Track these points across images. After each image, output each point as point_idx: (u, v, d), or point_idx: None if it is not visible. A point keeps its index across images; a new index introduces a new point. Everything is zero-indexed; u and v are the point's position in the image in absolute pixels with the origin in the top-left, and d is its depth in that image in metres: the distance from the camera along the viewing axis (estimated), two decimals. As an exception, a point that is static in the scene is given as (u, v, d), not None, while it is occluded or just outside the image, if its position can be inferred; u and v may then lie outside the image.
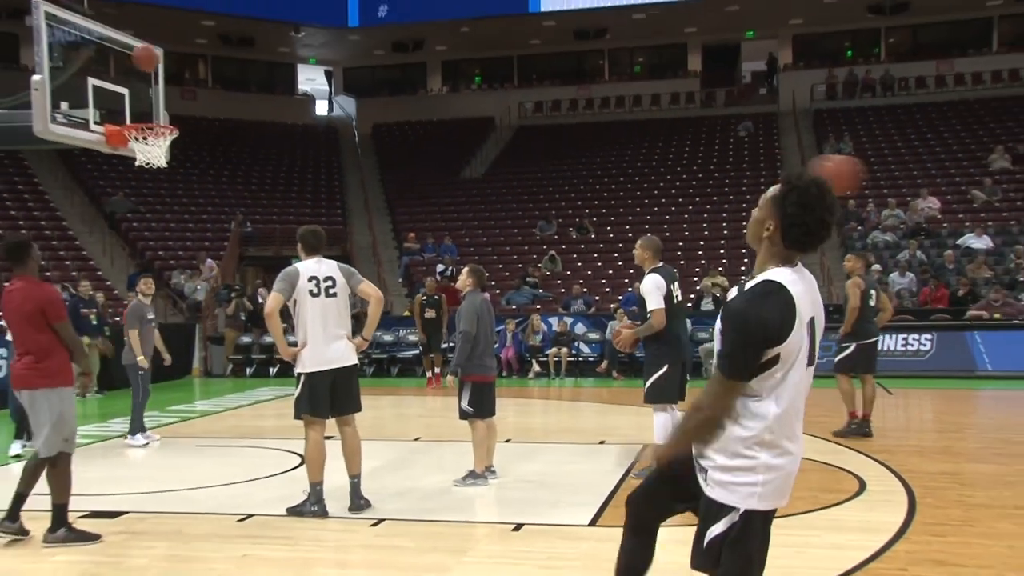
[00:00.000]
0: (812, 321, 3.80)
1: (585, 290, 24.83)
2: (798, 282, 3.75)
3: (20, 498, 7.63)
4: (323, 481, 8.34)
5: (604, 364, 21.22)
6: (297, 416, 8.36)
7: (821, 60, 39.04)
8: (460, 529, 7.80)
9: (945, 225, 26.78)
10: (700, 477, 3.88)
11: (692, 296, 22.82)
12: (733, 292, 3.92)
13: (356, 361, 8.54)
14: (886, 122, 34.71)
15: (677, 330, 9.65)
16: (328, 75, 43.20)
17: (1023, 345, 20.31)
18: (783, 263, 3.78)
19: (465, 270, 9.94)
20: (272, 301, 8.26)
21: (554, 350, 21.83)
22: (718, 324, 3.80)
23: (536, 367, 21.86)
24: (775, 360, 3.67)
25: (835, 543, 7.20)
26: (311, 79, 43.23)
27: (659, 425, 9.46)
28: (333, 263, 8.67)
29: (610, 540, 7.41)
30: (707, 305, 22.51)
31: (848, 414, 12.54)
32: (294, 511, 8.38)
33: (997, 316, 21.21)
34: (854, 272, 12.85)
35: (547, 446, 12.24)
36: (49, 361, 7.53)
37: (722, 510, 3.80)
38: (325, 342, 8.25)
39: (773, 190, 3.84)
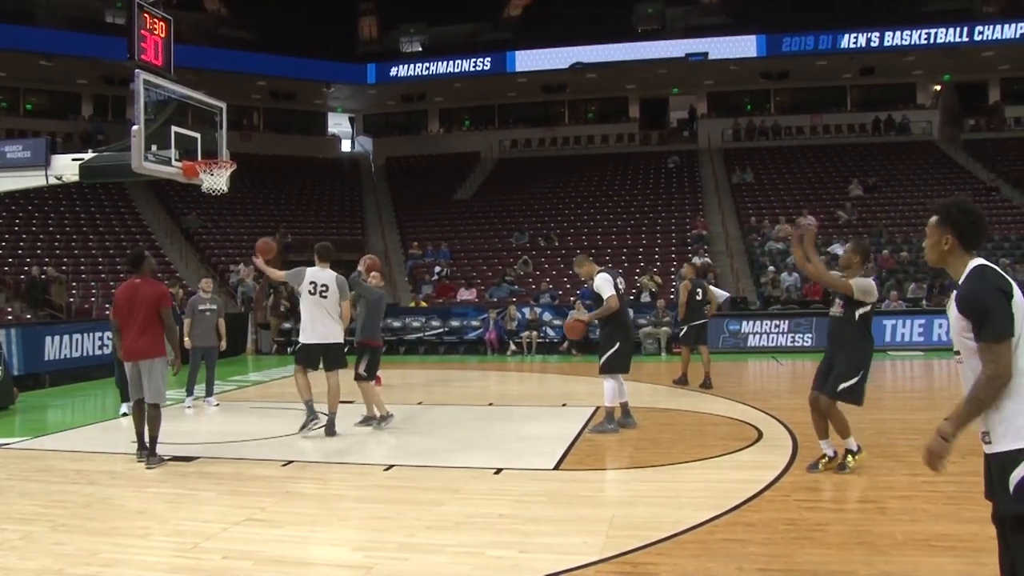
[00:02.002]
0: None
1: (551, 286, 24.85)
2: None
3: (155, 440, 8.30)
4: (312, 399, 9.66)
5: (565, 344, 21.23)
6: (296, 363, 9.82)
7: (728, 111, 39.14)
8: (452, 473, 7.78)
9: (819, 237, 26.92)
10: (983, 441, 3.51)
11: (633, 291, 22.90)
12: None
13: (340, 340, 9.80)
14: (776, 159, 34.89)
15: (625, 315, 9.76)
16: (351, 120, 43.00)
17: (874, 326, 20.34)
18: (973, 257, 3.60)
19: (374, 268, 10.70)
20: (281, 274, 10.03)
21: (527, 333, 21.85)
22: (954, 318, 3.52)
23: (513, 347, 21.85)
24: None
25: (739, 479, 7.26)
26: (338, 123, 42.99)
27: (608, 389, 9.61)
28: (333, 274, 9.85)
29: (570, 480, 7.50)
30: (645, 298, 22.59)
31: (682, 373, 14.14)
32: (302, 428, 9.58)
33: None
34: (687, 276, 14.28)
35: (521, 408, 12.24)
36: (161, 338, 8.28)
37: (1019, 455, 3.36)
38: (312, 327, 9.63)
39: (934, 218, 3.67)
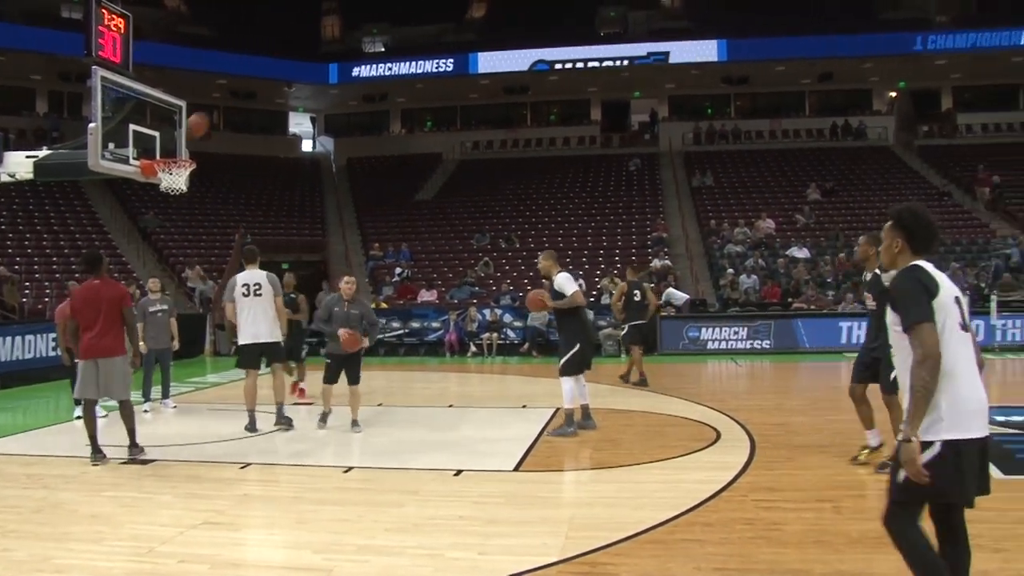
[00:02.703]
0: (956, 298, 3.71)
1: (511, 288, 24.81)
2: (932, 267, 3.74)
3: (133, 432, 8.48)
4: (255, 409, 9.96)
5: (526, 346, 21.27)
6: (245, 368, 10.12)
7: (689, 115, 39.44)
8: (412, 474, 7.75)
9: (778, 240, 27.24)
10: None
11: (594, 293, 22.98)
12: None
13: (278, 339, 10.17)
14: (736, 163, 35.17)
15: (585, 317, 9.81)
16: (313, 120, 42.68)
17: (831, 328, 20.83)
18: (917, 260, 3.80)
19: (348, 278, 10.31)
20: (229, 310, 10.17)
21: (487, 335, 21.83)
22: (889, 315, 3.76)
23: (473, 348, 21.82)
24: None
25: (698, 479, 7.30)
26: (299, 123, 42.62)
27: (567, 391, 9.60)
28: (264, 273, 10.19)
29: (529, 482, 7.50)
30: (605, 300, 22.63)
31: (640, 375, 14.29)
32: (248, 429, 9.80)
33: (813, 307, 21.76)
34: (628, 279, 14.88)
35: (482, 409, 12.22)
36: (122, 338, 8.38)
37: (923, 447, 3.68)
38: (250, 327, 9.97)
39: (888, 223, 3.89)
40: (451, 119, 41.66)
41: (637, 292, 14.59)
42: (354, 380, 10.00)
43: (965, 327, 3.72)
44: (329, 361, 10.16)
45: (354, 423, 9.94)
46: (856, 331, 20.69)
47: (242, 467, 8.11)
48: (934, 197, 30.21)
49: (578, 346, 9.55)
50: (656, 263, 25.25)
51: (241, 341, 10.11)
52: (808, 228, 28.27)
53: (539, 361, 19.77)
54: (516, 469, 7.92)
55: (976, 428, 3.66)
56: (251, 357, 10.08)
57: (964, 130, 37.07)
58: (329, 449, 9.14)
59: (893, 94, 38.88)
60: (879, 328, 7.06)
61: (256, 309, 10.01)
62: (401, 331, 22.62)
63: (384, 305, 24.21)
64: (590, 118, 40.47)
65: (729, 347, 21.05)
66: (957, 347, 3.65)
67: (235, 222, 30.56)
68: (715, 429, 9.73)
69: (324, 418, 10.23)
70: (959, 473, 3.61)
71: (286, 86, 38.21)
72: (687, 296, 22.69)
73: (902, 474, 3.63)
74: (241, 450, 8.95)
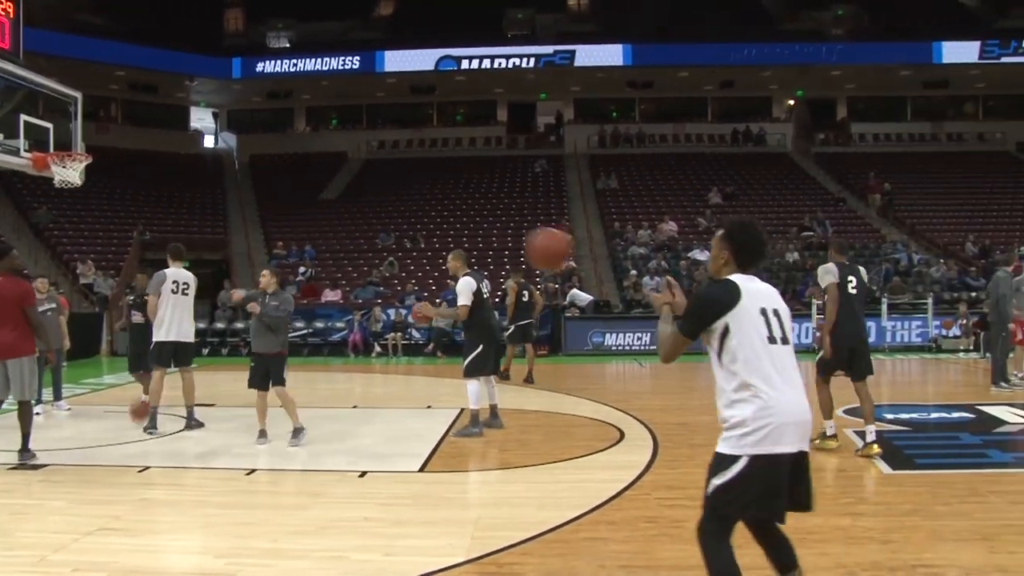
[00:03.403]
0: (764, 310, 3.72)
1: (416, 288, 24.76)
2: (749, 281, 3.80)
3: (27, 436, 8.10)
4: (159, 406, 9.84)
5: (431, 346, 21.27)
6: (157, 364, 9.96)
7: (595, 118, 39.91)
8: (316, 476, 7.68)
9: (680, 242, 27.84)
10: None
11: (499, 294, 23.04)
12: None
13: (192, 339, 10.29)
14: (640, 166, 35.80)
15: (489, 318, 9.81)
16: (215, 116, 41.69)
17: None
18: (736, 275, 3.84)
19: (265, 272, 9.62)
20: (152, 304, 9.97)
21: (392, 335, 21.73)
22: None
23: (378, 348, 21.72)
24: (727, 330, 3.67)
25: (602, 478, 7.39)
26: (201, 118, 41.59)
27: (472, 392, 9.59)
28: (190, 273, 10.22)
29: (435, 482, 7.51)
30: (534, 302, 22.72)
31: (503, 369, 14.16)
32: (147, 430, 9.59)
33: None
34: (515, 280, 15.40)
35: (387, 410, 12.19)
36: (28, 336, 8.03)
37: (725, 461, 3.72)
38: (172, 325, 9.92)
39: (719, 232, 3.96)
40: (357, 118, 41.28)
41: (525, 292, 15.29)
42: (279, 381, 9.23)
43: (773, 339, 3.69)
44: (253, 364, 9.32)
45: (297, 432, 9.11)
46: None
47: (141, 471, 7.88)
48: (830, 202, 31.38)
49: (481, 347, 9.57)
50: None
51: (159, 338, 9.97)
52: (710, 231, 28.76)
53: (444, 361, 19.76)
54: (422, 470, 7.90)
55: (787, 442, 3.62)
56: (166, 355, 9.98)
57: (857, 139, 38.58)
58: (231, 452, 8.96)
59: (791, 102, 40.15)
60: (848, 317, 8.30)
61: (181, 308, 10.00)
62: (305, 331, 22.35)
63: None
64: (496, 119, 40.61)
65: (632, 348, 21.39)
66: (761, 361, 3.63)
67: (133, 219, 29.71)
68: (619, 429, 9.88)
69: (264, 435, 9.23)
70: (767, 488, 3.60)
71: (188, 80, 37.25)
72: (591, 297, 22.99)
73: (712, 485, 3.66)
74: (140, 453, 8.71)
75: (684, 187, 33.76)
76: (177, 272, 10.14)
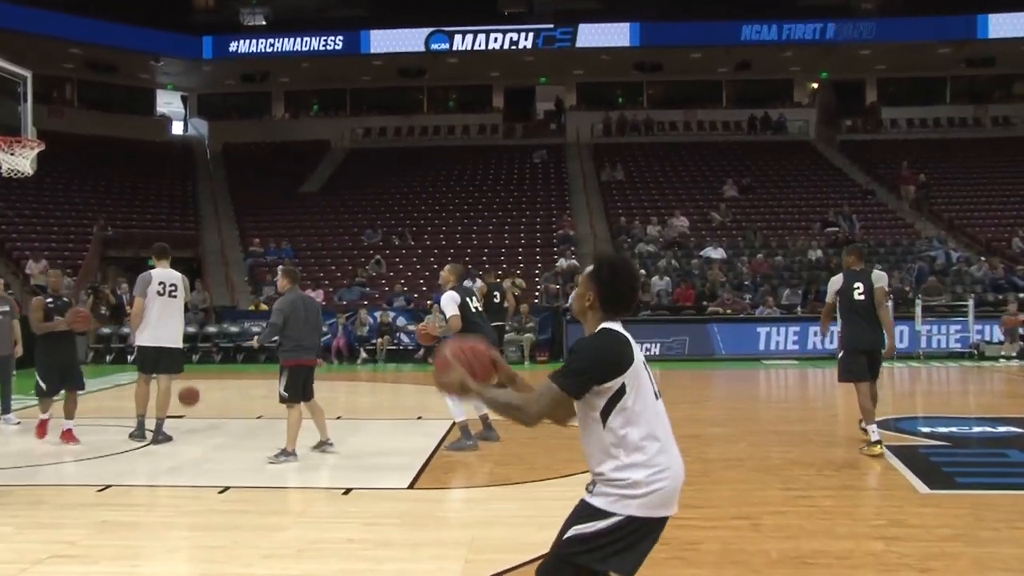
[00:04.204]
0: (644, 361, 3.67)
1: (405, 288, 24.74)
2: (625, 332, 3.66)
3: None
4: (145, 414, 10.04)
5: (421, 352, 21.19)
6: (141, 370, 10.22)
7: (599, 104, 39.96)
8: (297, 494, 7.67)
9: (692, 239, 27.81)
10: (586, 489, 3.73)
11: (495, 295, 22.98)
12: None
13: (181, 346, 10.42)
14: (648, 156, 35.81)
15: (478, 326, 9.79)
16: (184, 100, 41.67)
17: (748, 334, 21.41)
18: (610, 321, 3.66)
19: (280, 271, 9.81)
20: (136, 306, 10.09)
21: (379, 340, 21.69)
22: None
23: (363, 354, 21.67)
24: (623, 389, 3.54)
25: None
26: (168, 103, 41.53)
27: (450, 403, 9.50)
28: (178, 274, 10.38)
29: (426, 501, 7.48)
30: (506, 304, 22.67)
31: None
32: (134, 436, 9.95)
33: (729, 312, 22.26)
34: (486, 280, 16.03)
35: (373, 422, 12.19)
36: None
37: (596, 515, 3.64)
38: (159, 329, 10.05)
39: (588, 269, 3.70)
40: (340, 103, 41.27)
41: (496, 293, 15.64)
42: (310, 395, 9.35)
43: (656, 395, 3.69)
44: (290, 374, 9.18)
45: (325, 444, 9.35)
46: (775, 337, 21.27)
47: (100, 490, 7.83)
48: (857, 195, 31.29)
49: None
50: (562, 263, 25.48)
51: (141, 343, 10.17)
52: (724, 227, 28.94)
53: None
54: (411, 487, 7.89)
55: (668, 507, 3.68)
56: (150, 361, 10.16)
57: (889, 125, 38.50)
58: (203, 467, 8.92)
59: (815, 85, 40.10)
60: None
61: (168, 311, 10.13)
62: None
63: (265, 307, 23.80)
64: (492, 105, 40.63)
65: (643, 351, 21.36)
66: (655, 416, 3.62)
67: (93, 212, 29.65)
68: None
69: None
70: (631, 550, 3.59)
71: (153, 59, 37.04)
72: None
73: (571, 531, 3.62)
74: (99, 470, 8.67)
75: (696, 179, 33.76)
76: (164, 272, 10.23)
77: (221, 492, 7.74)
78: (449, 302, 9.73)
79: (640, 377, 3.61)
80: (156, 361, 10.15)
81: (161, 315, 10.06)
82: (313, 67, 38.16)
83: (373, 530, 6.46)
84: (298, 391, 9.14)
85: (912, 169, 32.50)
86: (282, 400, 9.14)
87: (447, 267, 10.29)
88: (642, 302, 23.42)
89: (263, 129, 39.87)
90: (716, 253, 26.00)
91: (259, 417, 12.16)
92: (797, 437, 10.21)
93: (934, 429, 10.50)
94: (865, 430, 9.16)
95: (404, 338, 22.08)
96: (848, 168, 34.69)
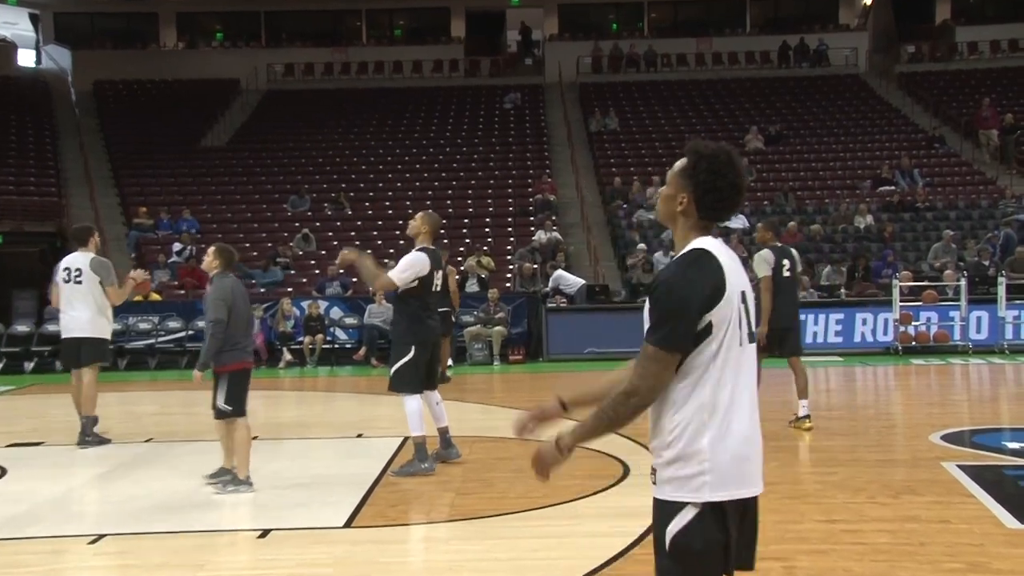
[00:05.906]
0: (743, 295, 3.66)
1: (341, 271, 24.60)
2: (724, 252, 3.63)
3: None
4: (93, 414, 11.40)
5: (362, 351, 21.17)
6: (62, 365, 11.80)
7: (586, 32, 40.00)
8: (197, 540, 7.57)
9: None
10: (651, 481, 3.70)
11: (457, 277, 22.98)
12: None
13: (100, 335, 11.64)
14: (650, 98, 35.92)
15: (426, 314, 9.63)
16: (34, 19, 40.97)
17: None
18: (702, 233, 3.65)
19: (211, 250, 9.43)
20: (53, 296, 11.81)
21: (307, 337, 21.62)
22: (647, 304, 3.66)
23: (288, 355, 21.58)
24: (708, 330, 3.52)
25: (599, 531, 7.41)
26: (12, 23, 40.75)
27: (412, 413, 9.44)
28: (89, 256, 11.50)
29: (367, 542, 7.45)
30: (472, 287, 22.67)
31: (441, 370, 14.37)
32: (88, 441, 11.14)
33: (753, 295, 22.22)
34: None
35: (300, 442, 12.12)
36: None
37: (677, 508, 3.62)
38: (67, 317, 11.48)
39: (680, 164, 3.69)
40: (253, 30, 41.19)
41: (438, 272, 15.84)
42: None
43: (741, 340, 3.65)
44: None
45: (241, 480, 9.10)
46: (812, 327, 21.19)
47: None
48: (921, 144, 31.39)
49: (412, 351, 9.38)
50: (541, 236, 25.44)
51: (62, 335, 11.77)
52: (748, 188, 28.91)
53: (381, 372, 19.67)
54: (348, 525, 7.86)
55: (749, 484, 3.67)
56: (70, 355, 11.65)
57: (965, 50, 38.42)
58: (70, 509, 8.84)
59: (867, 2, 40.00)
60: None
61: (73, 298, 11.43)
62: (182, 333, 22.17)
63: (157, 296, 23.68)
64: (450, 35, 40.64)
65: (638, 349, 21.36)
66: (737, 371, 3.63)
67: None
68: (622, 462, 9.83)
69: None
70: (722, 544, 3.58)
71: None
72: (582, 281, 22.92)
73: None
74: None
75: (711, 126, 33.69)
76: (71, 257, 11.59)
77: (93, 542, 7.61)
78: (412, 264, 9.33)
79: (731, 313, 3.60)
80: (77, 352, 11.49)
81: (67, 303, 11.48)
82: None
83: (299, 582, 6.44)
84: (242, 401, 9.01)
85: (995, 108, 32.36)
86: (222, 415, 9.01)
87: (423, 215, 9.91)
88: (641, 284, 23.44)
89: (148, 63, 39.46)
90: (736, 222, 25.97)
91: (149, 440, 12.06)
92: (842, 455, 10.24)
93: (1024, 445, 10.47)
94: None
95: (340, 334, 22.04)
96: (909, 109, 34.78)
